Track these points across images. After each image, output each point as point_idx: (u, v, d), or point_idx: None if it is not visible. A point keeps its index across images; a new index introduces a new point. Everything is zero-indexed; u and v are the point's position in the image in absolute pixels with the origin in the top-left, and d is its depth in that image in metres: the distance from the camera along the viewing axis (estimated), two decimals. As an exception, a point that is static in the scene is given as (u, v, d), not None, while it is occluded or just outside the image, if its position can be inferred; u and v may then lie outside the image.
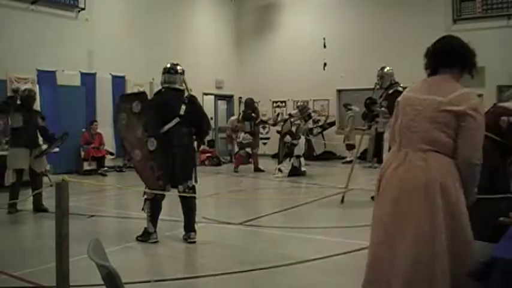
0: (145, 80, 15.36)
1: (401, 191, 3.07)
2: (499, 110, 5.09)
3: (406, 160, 3.10)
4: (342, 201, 9.27)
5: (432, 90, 3.14)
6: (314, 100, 19.12)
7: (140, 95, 6.84)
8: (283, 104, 19.95)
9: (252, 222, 7.85)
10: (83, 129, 14.38)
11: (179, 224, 6.74)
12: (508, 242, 2.84)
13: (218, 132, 20.17)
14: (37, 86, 13.46)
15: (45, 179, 9.42)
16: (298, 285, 4.99)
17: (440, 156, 3.02)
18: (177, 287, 4.97)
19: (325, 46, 18.57)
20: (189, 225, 6.64)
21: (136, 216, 7.38)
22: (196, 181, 6.70)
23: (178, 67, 6.75)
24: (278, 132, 15.29)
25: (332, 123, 18.63)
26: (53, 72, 13.84)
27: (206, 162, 17.08)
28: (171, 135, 6.45)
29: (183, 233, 6.63)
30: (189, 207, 6.63)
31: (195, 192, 6.68)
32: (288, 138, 13.74)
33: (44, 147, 9.17)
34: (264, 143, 17.06)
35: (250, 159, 15.11)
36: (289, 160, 13.61)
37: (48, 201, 8.23)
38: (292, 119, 14.29)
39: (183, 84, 6.78)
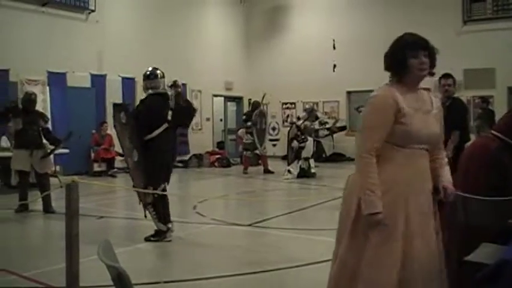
0: (154, 81, 15.40)
1: None
2: None
3: None
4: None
5: None
6: (324, 102, 19.09)
7: (124, 106, 7.06)
8: (293, 106, 19.93)
9: (260, 224, 7.85)
10: (93, 131, 14.44)
11: (188, 225, 6.78)
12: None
13: (227, 133, 20.21)
14: (47, 87, 13.58)
15: (55, 180, 9.47)
16: (306, 287, 4.99)
17: None
18: (186, 288, 4.98)
19: (334, 47, 18.56)
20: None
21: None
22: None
23: (158, 71, 6.78)
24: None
25: (343, 128, 18.42)
26: (63, 74, 13.92)
27: (216, 164, 17.12)
28: (158, 140, 6.52)
29: (191, 234, 6.67)
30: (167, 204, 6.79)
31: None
32: (295, 143, 13.69)
33: (51, 147, 9.26)
34: (274, 145, 17.04)
35: (260, 161, 15.12)
36: (298, 162, 13.61)
37: (58, 202, 8.29)
38: (298, 122, 14.27)
39: (166, 88, 6.86)
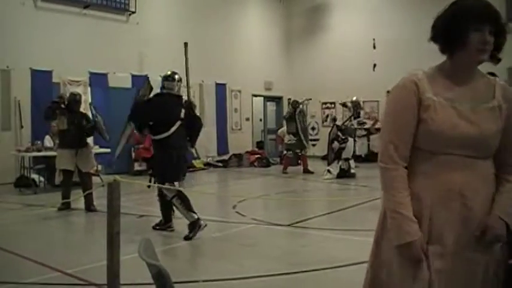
0: (195, 81, 15.49)
1: None
2: None
3: None
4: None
5: None
6: (364, 101, 18.89)
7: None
8: (333, 106, 19.79)
9: (300, 224, 7.82)
10: (134, 131, 14.57)
11: (227, 224, 6.77)
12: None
13: (267, 133, 20.22)
14: (89, 88, 13.79)
15: (97, 179, 9.63)
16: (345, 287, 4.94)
17: None
18: (225, 287, 4.98)
19: (374, 47, 18.36)
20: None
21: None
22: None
23: (176, 76, 7.39)
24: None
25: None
26: (105, 75, 14.14)
27: (255, 164, 17.14)
28: (171, 137, 6.90)
29: (230, 233, 6.69)
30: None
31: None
32: (335, 144, 13.59)
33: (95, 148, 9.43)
34: (313, 145, 16.96)
35: (300, 161, 15.07)
36: (338, 163, 13.52)
37: (100, 200, 8.42)
38: (344, 108, 14.33)
39: (181, 91, 7.45)
